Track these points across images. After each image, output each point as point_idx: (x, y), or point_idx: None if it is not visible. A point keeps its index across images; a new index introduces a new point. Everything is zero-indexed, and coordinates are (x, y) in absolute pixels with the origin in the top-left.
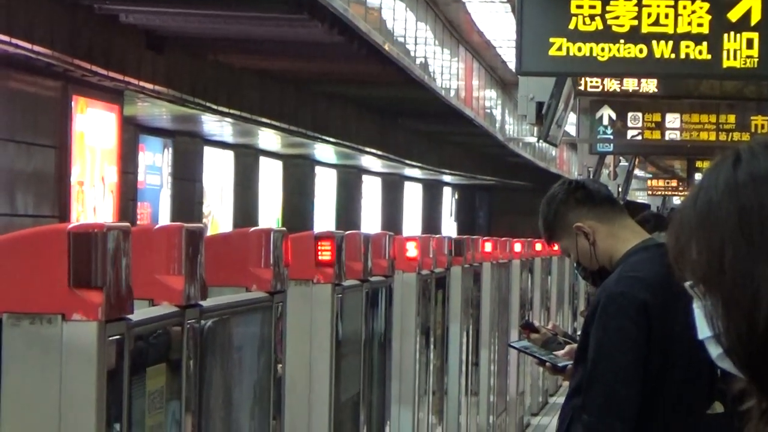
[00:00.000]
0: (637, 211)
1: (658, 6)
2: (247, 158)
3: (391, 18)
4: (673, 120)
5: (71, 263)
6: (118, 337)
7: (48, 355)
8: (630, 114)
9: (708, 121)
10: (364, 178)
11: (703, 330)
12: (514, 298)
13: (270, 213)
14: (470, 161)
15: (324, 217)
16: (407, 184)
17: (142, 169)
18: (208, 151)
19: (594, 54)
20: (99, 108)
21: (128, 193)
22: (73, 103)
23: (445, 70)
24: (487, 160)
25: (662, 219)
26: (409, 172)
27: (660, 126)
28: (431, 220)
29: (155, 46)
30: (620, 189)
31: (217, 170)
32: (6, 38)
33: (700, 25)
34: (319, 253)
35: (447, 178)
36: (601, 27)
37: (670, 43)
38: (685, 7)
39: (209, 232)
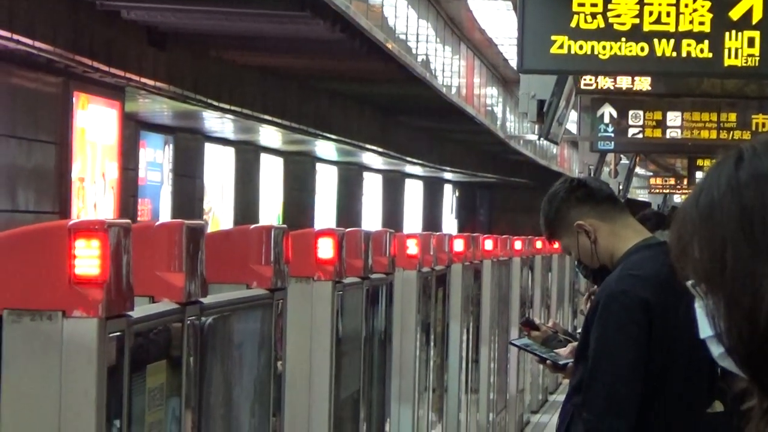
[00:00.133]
0: (638, 209)
1: (660, 4)
2: (247, 155)
3: (393, 15)
4: (674, 118)
5: (72, 260)
6: (118, 333)
7: (48, 352)
8: (631, 112)
9: (709, 120)
10: (365, 175)
11: (705, 329)
12: (514, 296)
13: (271, 210)
14: (471, 159)
15: (325, 214)
16: (408, 182)
17: (142, 166)
18: (209, 147)
19: (595, 52)
20: (100, 104)
21: (129, 190)
22: (74, 99)
23: (447, 68)
24: (487, 158)
25: (663, 217)
26: (410, 169)
27: (661, 124)
28: (432, 218)
29: (157, 43)
30: (621, 187)
31: (218, 167)
32: (7, 34)
33: (701, 23)
34: (320, 250)
35: (448, 176)
36: (602, 25)
37: (672, 41)
38: (686, 6)
39: (210, 229)
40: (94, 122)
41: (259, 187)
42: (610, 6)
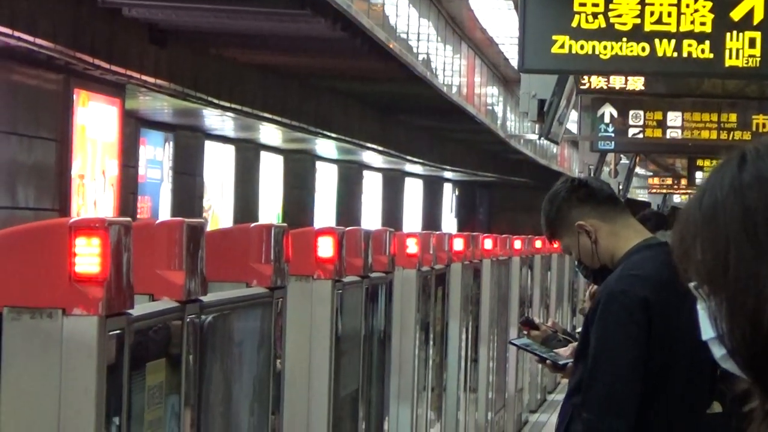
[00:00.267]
0: (638, 209)
1: (661, 4)
2: (248, 153)
3: (394, 14)
4: (674, 118)
5: (72, 258)
6: (118, 331)
7: (48, 350)
8: (631, 112)
9: (709, 120)
10: (365, 173)
11: (707, 330)
12: (513, 295)
13: (270, 208)
14: (471, 158)
15: (324, 212)
16: (408, 180)
17: (143, 163)
18: (209, 145)
19: (596, 52)
20: (101, 101)
21: (129, 187)
22: (74, 96)
23: (447, 67)
24: (488, 157)
25: (663, 217)
26: (409, 168)
27: (661, 124)
28: (431, 217)
29: (158, 40)
30: (621, 187)
31: (218, 164)
32: (8, 31)
33: (702, 24)
34: (320, 249)
35: (448, 175)
36: (603, 25)
37: (673, 41)
38: (687, 6)
39: (209, 227)
40: (95, 119)
41: (259, 185)
42: (611, 6)
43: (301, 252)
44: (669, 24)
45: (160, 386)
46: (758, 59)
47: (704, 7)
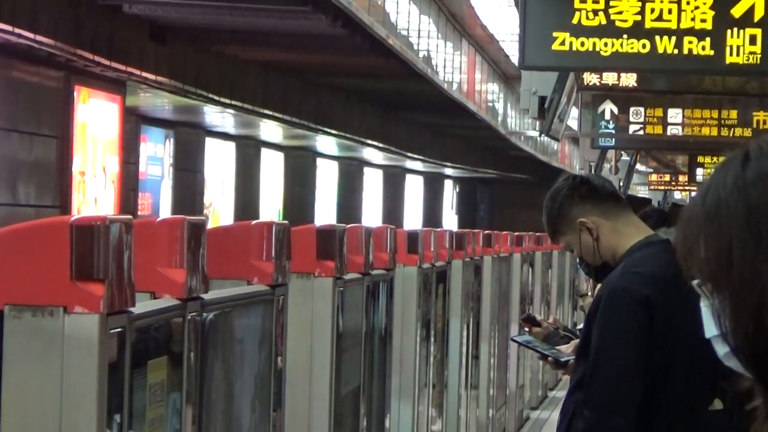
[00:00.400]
0: (638, 205)
1: (662, 1)
2: (248, 149)
3: (395, 11)
4: (675, 115)
5: (73, 256)
6: (119, 329)
7: (49, 348)
8: (632, 109)
9: (710, 117)
10: (366, 170)
11: (710, 329)
12: (514, 292)
13: (271, 204)
14: (472, 155)
15: (325, 209)
16: (408, 177)
17: (143, 160)
18: (209, 142)
19: (597, 49)
20: (101, 98)
21: (129, 184)
22: (75, 93)
23: (448, 64)
24: (488, 154)
25: (664, 214)
26: (410, 164)
27: (662, 121)
28: (432, 213)
29: (158, 37)
30: (622, 183)
31: (219, 161)
32: (9, 28)
33: (703, 20)
34: (320, 246)
35: (448, 171)
36: (604, 22)
37: (673, 38)
38: (688, 3)
39: (210, 223)
40: (95, 116)
41: (260, 182)
42: (611, 3)
43: (302, 249)
44: (669, 21)
45: (161, 384)
46: (759, 56)
47: (705, 4)
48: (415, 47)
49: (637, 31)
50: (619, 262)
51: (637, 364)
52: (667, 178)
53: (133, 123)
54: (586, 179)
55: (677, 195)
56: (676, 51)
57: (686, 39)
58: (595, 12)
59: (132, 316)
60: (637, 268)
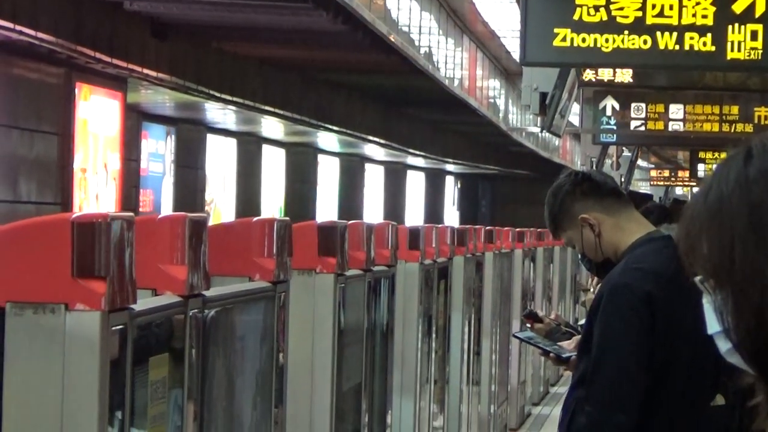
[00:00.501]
0: (640, 201)
1: None
2: (249, 146)
3: (396, 7)
4: (676, 111)
5: (74, 253)
6: (121, 326)
7: (51, 345)
8: (633, 104)
9: (711, 112)
10: (367, 166)
11: (713, 325)
12: (516, 288)
13: (272, 201)
14: (473, 151)
15: (326, 205)
16: (410, 173)
17: (144, 157)
18: (210, 138)
19: (598, 45)
20: (102, 95)
21: (131, 181)
22: (76, 90)
23: (449, 60)
24: (490, 150)
25: (666, 210)
26: (411, 160)
27: (663, 117)
28: (434, 209)
29: (159, 34)
30: (623, 179)
31: (220, 158)
32: (10, 25)
33: (704, 16)
34: (322, 242)
35: (450, 167)
36: (605, 18)
37: (675, 34)
38: None
39: (212, 220)
40: (96, 113)
41: (261, 178)
42: None
43: (304, 246)
44: (671, 17)
45: (163, 381)
46: (760, 52)
47: None
48: (417, 43)
49: (638, 27)
50: (621, 258)
51: (639, 361)
52: (668, 173)
53: (135, 120)
54: (587, 175)
55: (678, 191)
56: (677, 47)
57: (687, 35)
58: (596, 8)
59: (133, 313)
60: (638, 265)
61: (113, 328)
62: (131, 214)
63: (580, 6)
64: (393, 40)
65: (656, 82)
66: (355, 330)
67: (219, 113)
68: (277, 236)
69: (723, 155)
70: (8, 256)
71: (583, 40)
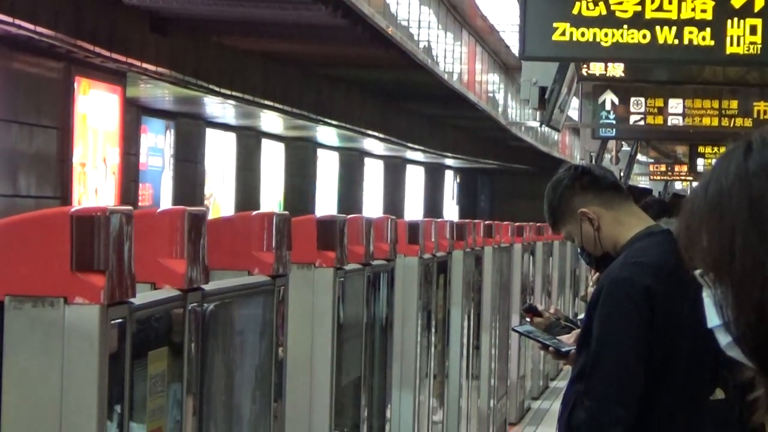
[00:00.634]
0: (639, 196)
1: None
2: (249, 140)
3: (395, 2)
4: (675, 105)
5: (74, 246)
6: (120, 320)
7: (50, 339)
8: (633, 99)
9: (711, 107)
10: (366, 161)
11: (713, 318)
12: (515, 282)
13: (272, 195)
14: (472, 145)
15: (326, 199)
16: (409, 168)
17: (144, 151)
18: (210, 133)
19: (597, 39)
20: (102, 89)
21: (130, 175)
22: (75, 84)
23: (448, 54)
24: (489, 144)
25: (665, 205)
26: (411, 155)
27: (662, 111)
28: (433, 204)
29: (159, 28)
30: (622, 174)
31: (219, 152)
32: (9, 19)
33: (703, 11)
34: (321, 237)
35: (449, 162)
36: (604, 12)
37: (674, 28)
38: None
39: (211, 214)
40: (96, 107)
41: (260, 172)
42: None
43: (303, 240)
44: (670, 11)
45: (162, 375)
46: (759, 46)
47: None
48: (416, 38)
49: (638, 21)
50: (620, 252)
51: (638, 355)
52: (664, 168)
53: (134, 114)
54: (587, 169)
55: (678, 185)
56: (676, 41)
57: (686, 29)
58: (596, 2)
59: (132, 306)
60: (638, 259)
61: (112, 321)
62: (130, 207)
63: (580, 0)
64: (392, 34)
65: (655, 76)
66: (354, 324)
67: (218, 107)
68: (276, 230)
69: (722, 150)
70: (7, 250)
71: (583, 34)
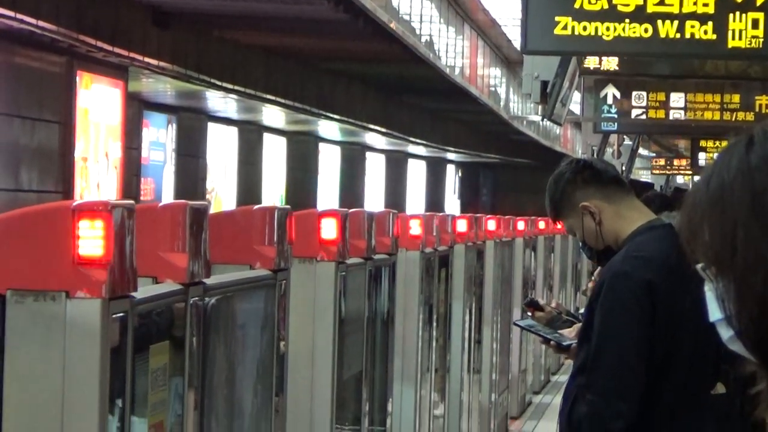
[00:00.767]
0: (641, 190)
1: None
2: (250, 135)
3: None
4: (677, 99)
5: (75, 241)
6: (121, 314)
7: (52, 333)
8: (634, 93)
9: (712, 101)
10: (368, 155)
11: (714, 312)
12: (517, 277)
13: (273, 190)
14: (474, 139)
15: (327, 193)
16: (411, 162)
17: (145, 145)
18: (211, 127)
19: (599, 33)
20: (103, 84)
21: (132, 169)
22: (77, 78)
23: (450, 48)
24: (491, 138)
25: (667, 199)
26: (412, 149)
27: (664, 105)
28: (435, 198)
29: (160, 22)
30: (624, 168)
31: (221, 146)
32: (11, 13)
33: (705, 5)
34: (323, 230)
35: (451, 156)
36: (606, 6)
37: (676, 22)
38: None
39: (212, 209)
40: (98, 102)
41: (262, 166)
42: None
43: (305, 234)
44: (671, 5)
45: (163, 369)
46: (761, 40)
47: None
48: (417, 32)
49: (639, 15)
50: (622, 246)
51: (640, 348)
52: (672, 162)
53: (136, 108)
54: (589, 163)
55: (680, 179)
56: (678, 35)
57: (688, 23)
58: None
59: (134, 300)
60: (639, 253)
61: (114, 315)
62: (132, 202)
63: None
64: (394, 28)
65: (657, 70)
66: (356, 318)
67: (220, 102)
68: (277, 224)
69: (724, 144)
70: (9, 244)
71: (584, 28)
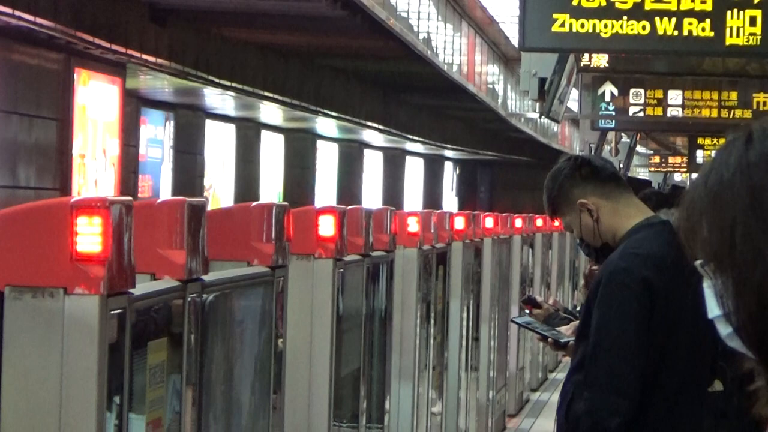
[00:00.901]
0: (639, 187)
1: None
2: (248, 132)
3: None
4: (675, 97)
5: (74, 237)
6: (119, 311)
7: (50, 329)
8: (632, 90)
9: (710, 98)
10: (366, 152)
11: (713, 309)
12: (514, 274)
13: (271, 187)
14: (472, 136)
15: (325, 191)
16: (409, 159)
17: (143, 142)
18: (209, 124)
19: (597, 30)
20: (101, 81)
21: (130, 166)
22: (75, 75)
23: (448, 46)
24: (488, 136)
25: (664, 196)
26: (410, 146)
27: (662, 102)
28: (432, 195)
29: (158, 19)
30: (622, 165)
31: (219, 143)
32: (9, 10)
33: (703, 2)
34: (321, 227)
35: (448, 153)
36: (604, 3)
37: (673, 20)
38: None
39: (210, 206)
40: (95, 99)
41: (260, 164)
42: None
43: (303, 231)
44: (669, 2)
45: (161, 365)
46: (759, 37)
47: None
48: (415, 29)
49: (637, 12)
50: (620, 243)
51: (638, 345)
52: (670, 160)
53: (134, 105)
54: (587, 160)
55: (677, 177)
56: (676, 32)
57: (686, 20)
58: None
59: (132, 297)
60: (637, 249)
61: (112, 312)
62: (130, 198)
63: None
64: (392, 25)
65: (655, 67)
66: (353, 315)
67: (218, 99)
68: (275, 221)
69: (722, 141)
70: (7, 241)
71: (582, 25)
